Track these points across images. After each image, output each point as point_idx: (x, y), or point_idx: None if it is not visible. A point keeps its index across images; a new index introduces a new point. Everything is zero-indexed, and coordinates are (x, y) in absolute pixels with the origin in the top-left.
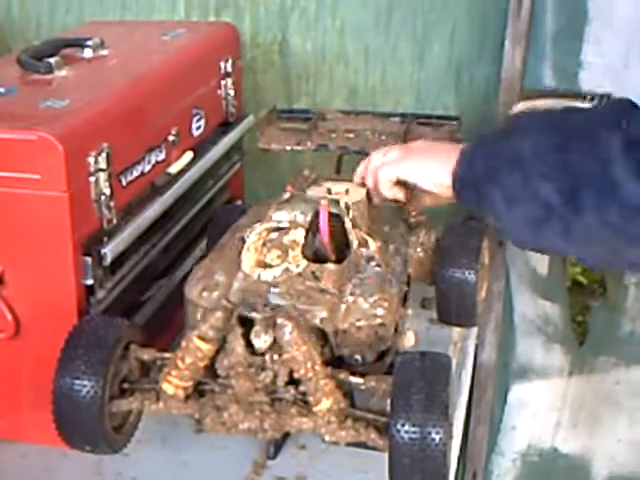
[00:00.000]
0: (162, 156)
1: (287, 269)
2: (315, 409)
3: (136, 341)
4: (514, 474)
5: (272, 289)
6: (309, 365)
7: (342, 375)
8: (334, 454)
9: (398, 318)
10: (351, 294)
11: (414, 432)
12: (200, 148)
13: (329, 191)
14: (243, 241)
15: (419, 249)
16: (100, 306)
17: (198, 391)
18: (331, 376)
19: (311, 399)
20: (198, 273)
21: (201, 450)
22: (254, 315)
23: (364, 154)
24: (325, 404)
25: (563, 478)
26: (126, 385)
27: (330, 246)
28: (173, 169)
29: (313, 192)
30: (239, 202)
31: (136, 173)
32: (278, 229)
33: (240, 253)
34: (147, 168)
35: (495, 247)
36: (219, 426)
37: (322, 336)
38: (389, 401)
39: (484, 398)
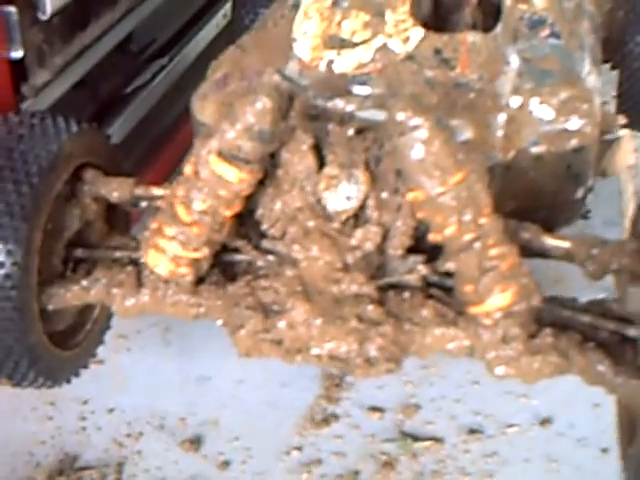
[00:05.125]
0: None
1: (384, 47)
2: (475, 309)
3: (99, 164)
4: None
5: (356, 87)
6: (468, 213)
7: (529, 232)
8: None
9: (602, 129)
10: (515, 91)
11: None
12: None
13: None
14: (297, 7)
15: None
16: (41, 100)
17: (221, 269)
18: (511, 236)
19: (467, 288)
20: (218, 72)
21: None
22: (337, 104)
23: None
24: (499, 299)
25: None
26: (78, 252)
27: None
28: None
29: None
30: None
31: None
32: None
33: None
34: None
35: None
36: (268, 346)
37: None
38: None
39: None
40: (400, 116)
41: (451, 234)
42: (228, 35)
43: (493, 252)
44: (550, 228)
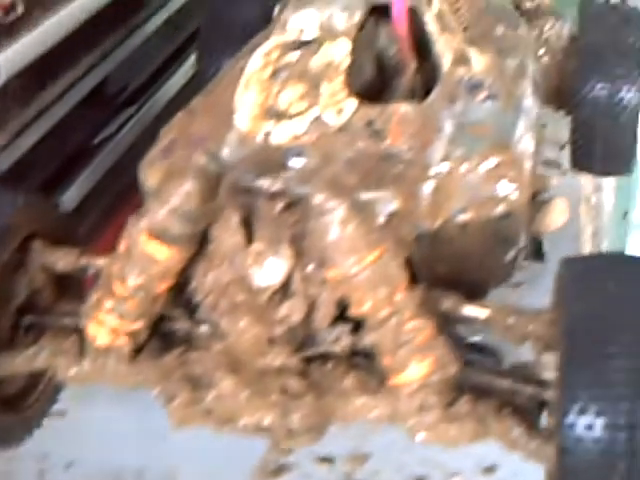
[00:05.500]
0: None
1: (319, 119)
2: (394, 380)
3: (47, 233)
4: None
5: (292, 160)
6: (383, 290)
7: (448, 303)
8: None
9: (535, 191)
10: (444, 158)
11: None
12: None
13: None
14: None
15: (542, 51)
16: None
17: (159, 338)
18: (428, 310)
19: (386, 360)
20: (166, 138)
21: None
22: (263, 184)
23: None
24: (416, 370)
25: None
26: (27, 319)
27: (412, 53)
28: None
29: None
30: None
31: None
32: (300, 45)
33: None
34: None
35: None
36: (199, 417)
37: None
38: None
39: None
40: (317, 198)
41: (368, 310)
42: (195, 85)
43: (409, 326)
44: (482, 290)
